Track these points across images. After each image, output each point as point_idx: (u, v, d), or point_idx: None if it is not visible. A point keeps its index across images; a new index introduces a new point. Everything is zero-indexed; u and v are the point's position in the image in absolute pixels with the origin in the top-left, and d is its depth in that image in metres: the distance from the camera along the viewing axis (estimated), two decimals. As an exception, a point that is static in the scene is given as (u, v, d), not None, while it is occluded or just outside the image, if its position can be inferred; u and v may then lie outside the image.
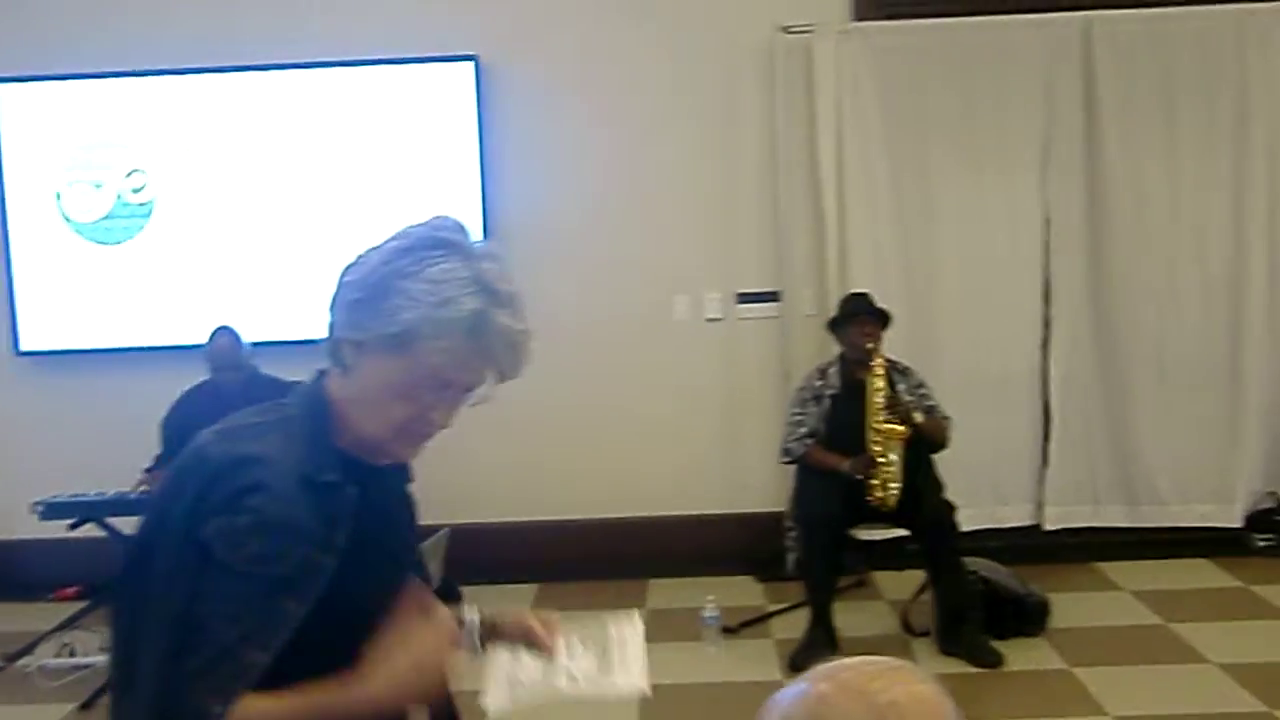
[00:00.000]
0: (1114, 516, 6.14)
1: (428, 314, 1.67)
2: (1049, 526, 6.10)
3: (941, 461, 5.30)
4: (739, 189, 6.02)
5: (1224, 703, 4.41)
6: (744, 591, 5.72)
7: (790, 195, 5.93)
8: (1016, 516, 6.13)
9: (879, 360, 4.92)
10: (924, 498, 4.87)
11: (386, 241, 1.75)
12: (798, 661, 4.86)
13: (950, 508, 4.94)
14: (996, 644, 4.92)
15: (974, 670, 4.80)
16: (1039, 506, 6.13)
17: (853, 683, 1.23)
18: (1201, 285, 6.02)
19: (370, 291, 1.71)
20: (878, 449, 4.86)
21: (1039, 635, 5.07)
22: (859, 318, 5.04)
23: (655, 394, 6.09)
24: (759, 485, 5.84)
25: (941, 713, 1.22)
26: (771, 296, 6.01)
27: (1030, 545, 6.01)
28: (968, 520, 5.81)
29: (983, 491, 6.01)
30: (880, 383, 4.89)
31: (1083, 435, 6.09)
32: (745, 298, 6.05)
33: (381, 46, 5.92)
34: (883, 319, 5.09)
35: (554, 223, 6.03)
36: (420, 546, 4.81)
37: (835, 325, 5.15)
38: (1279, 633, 5.07)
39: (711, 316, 6.08)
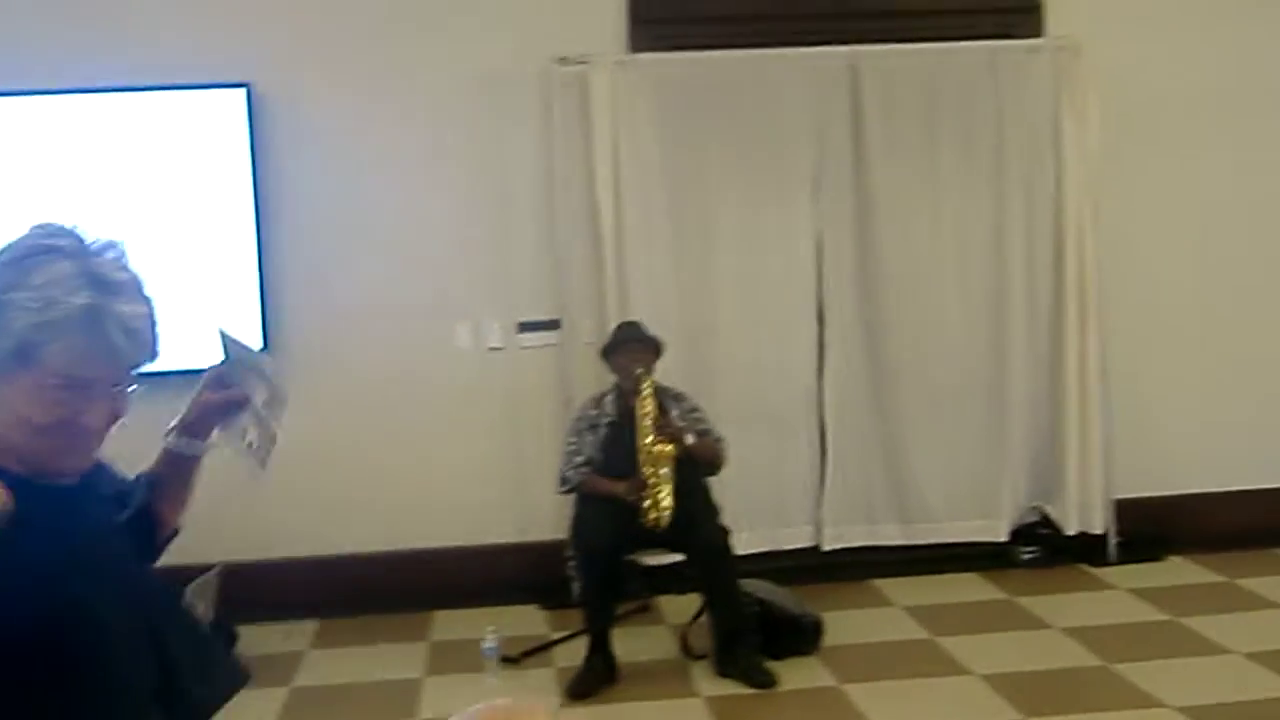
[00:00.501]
0: (888, 535, 6.34)
1: (37, 319, 1.67)
2: (827, 546, 6.26)
3: (719, 486, 5.43)
4: (518, 218, 6.06)
5: (982, 713, 4.62)
6: (529, 620, 5.75)
7: (568, 224, 5.99)
8: (796, 538, 6.26)
9: (647, 384, 4.99)
10: (698, 523, 4.97)
11: None
12: (576, 689, 4.93)
13: (724, 532, 5.05)
14: (772, 664, 5.05)
15: (749, 691, 4.91)
16: (817, 527, 6.30)
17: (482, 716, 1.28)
18: (965, 308, 6.27)
19: None
20: (648, 470, 4.93)
21: (813, 654, 5.22)
22: (629, 345, 5.13)
23: (437, 424, 6.07)
24: (543, 514, 5.86)
25: None
26: (552, 325, 6.06)
27: (810, 566, 6.16)
28: (748, 543, 5.98)
29: (762, 514, 6.14)
30: (649, 405, 4.97)
31: (858, 456, 6.28)
32: (526, 326, 6.08)
33: (155, 72, 5.78)
34: (653, 346, 5.18)
35: (331, 250, 5.98)
36: (189, 587, 4.73)
37: (607, 353, 5.23)
38: (1037, 643, 5.32)
39: (493, 345, 6.09)
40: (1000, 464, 6.33)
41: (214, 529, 5.69)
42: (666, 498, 4.93)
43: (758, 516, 6.11)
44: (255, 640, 5.50)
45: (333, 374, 5.97)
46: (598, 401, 5.26)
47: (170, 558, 5.20)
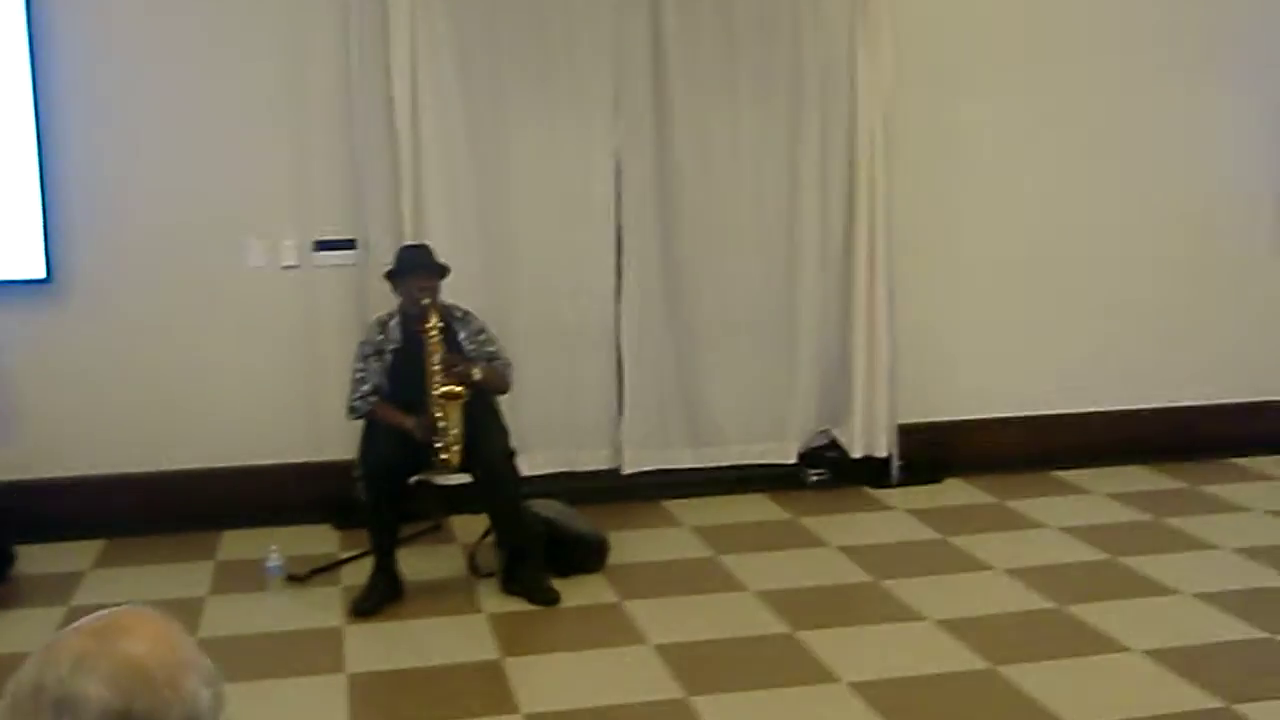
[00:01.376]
0: (683, 459, 6.54)
1: None
2: (628, 470, 6.43)
3: (513, 406, 5.55)
4: (315, 135, 6.01)
5: (752, 626, 4.85)
6: (321, 540, 5.80)
7: (366, 142, 5.96)
8: (593, 461, 6.42)
9: (433, 321, 5.01)
10: (481, 444, 5.05)
11: None
12: (360, 607, 5.02)
13: (508, 453, 5.15)
14: (557, 582, 5.20)
15: (532, 608, 5.06)
16: (617, 450, 6.46)
17: (83, 626, 1.36)
18: (759, 233, 6.45)
19: None
20: (438, 414, 4.99)
21: (598, 572, 5.39)
22: (415, 273, 5.14)
23: (229, 344, 6.05)
24: (337, 434, 5.87)
25: (172, 638, 1.37)
26: (349, 245, 6.06)
27: (606, 488, 6.34)
28: (542, 464, 6.17)
29: (557, 436, 6.30)
30: (436, 346, 4.99)
31: (653, 379, 6.44)
32: (323, 245, 6.07)
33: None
34: (438, 272, 5.20)
35: (117, 161, 5.87)
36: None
37: (393, 277, 5.22)
38: (813, 560, 5.58)
39: (288, 264, 6.07)
40: (790, 388, 6.58)
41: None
42: (456, 440, 4.99)
43: (553, 437, 6.28)
44: (34, 560, 5.46)
45: (120, 291, 5.93)
46: (383, 326, 5.26)
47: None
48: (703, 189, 6.35)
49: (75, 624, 1.36)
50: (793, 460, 6.60)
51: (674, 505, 6.28)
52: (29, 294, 5.78)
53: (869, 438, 6.58)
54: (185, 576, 5.43)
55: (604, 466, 6.42)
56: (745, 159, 6.39)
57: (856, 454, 6.58)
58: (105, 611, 1.39)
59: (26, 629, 4.81)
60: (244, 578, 5.35)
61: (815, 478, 6.61)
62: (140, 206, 5.92)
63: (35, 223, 5.71)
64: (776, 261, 6.48)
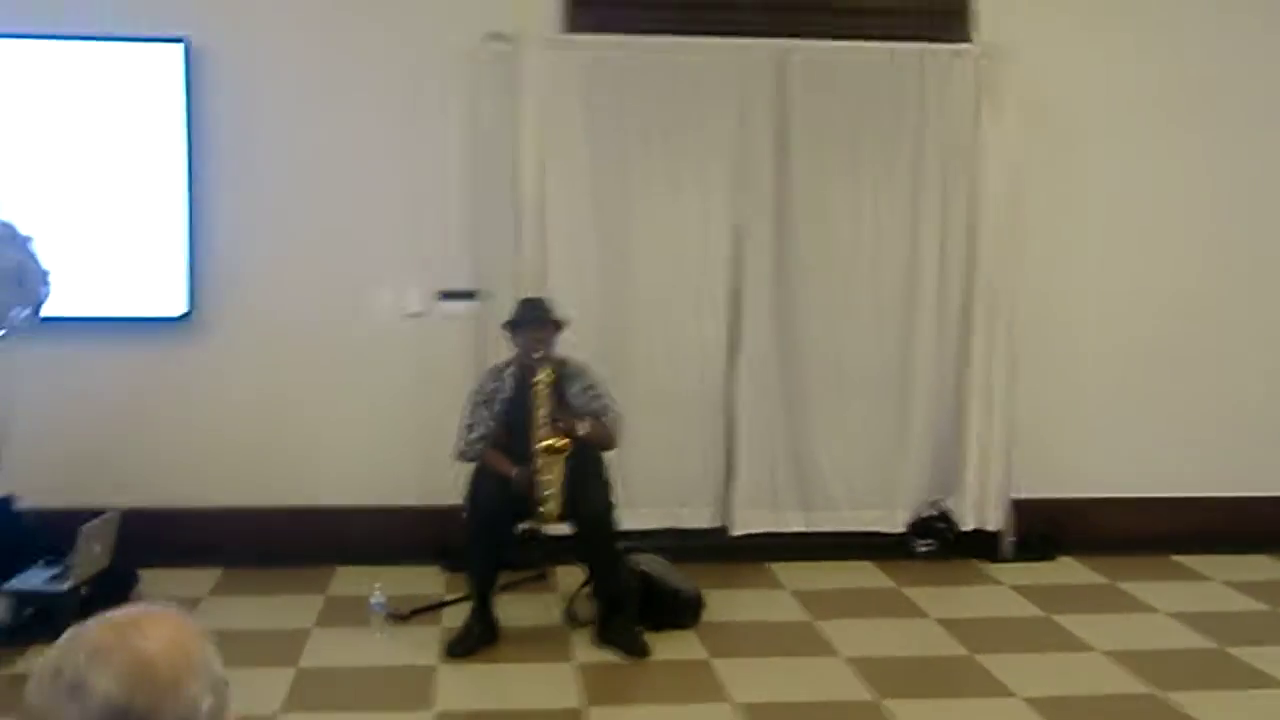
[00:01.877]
0: (792, 522, 6.59)
1: None
2: (738, 531, 6.49)
3: (625, 464, 5.73)
4: (445, 190, 6.27)
5: (839, 692, 4.87)
6: (427, 581, 5.98)
7: (492, 198, 6.20)
8: (697, 519, 6.51)
9: (543, 375, 5.18)
10: (583, 495, 5.18)
11: None
12: (455, 649, 5.16)
13: (608, 505, 5.26)
14: (651, 636, 5.29)
15: (623, 659, 5.16)
16: (721, 509, 6.53)
17: (109, 618, 1.46)
18: (876, 302, 6.50)
19: None
20: (540, 466, 5.13)
21: (691, 628, 5.46)
22: (530, 325, 5.31)
23: (353, 384, 6.32)
24: (450, 479, 6.05)
25: (187, 641, 1.45)
26: (471, 295, 6.28)
27: (714, 546, 6.43)
28: (648, 519, 6.27)
29: (665, 493, 6.41)
30: (544, 399, 5.15)
31: (765, 442, 6.51)
32: (446, 295, 6.31)
33: (93, 22, 5.98)
34: (554, 327, 5.36)
35: (259, 210, 6.21)
36: (83, 528, 4.98)
37: (510, 328, 5.41)
38: (909, 631, 5.58)
39: (412, 311, 6.32)
40: (902, 457, 6.58)
41: (118, 473, 6.00)
42: (556, 493, 5.13)
43: (660, 493, 6.39)
44: (157, 583, 5.74)
45: (254, 329, 6.26)
46: (497, 374, 5.45)
47: (76, 500, 5.51)
48: (820, 258, 6.43)
49: (106, 614, 1.45)
50: (901, 529, 6.60)
51: (778, 568, 6.32)
52: (169, 330, 6.13)
53: (980, 511, 6.55)
54: (295, 608, 5.66)
55: (707, 525, 6.51)
56: (865, 228, 6.46)
57: (967, 526, 6.55)
58: (135, 607, 1.50)
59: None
60: (350, 613, 5.54)
61: (923, 548, 6.59)
62: (279, 253, 6.24)
63: (180, 264, 6.07)
64: (892, 328, 6.51)
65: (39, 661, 1.42)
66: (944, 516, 6.65)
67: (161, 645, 1.41)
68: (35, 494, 5.68)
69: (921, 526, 6.64)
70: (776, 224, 6.40)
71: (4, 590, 5.18)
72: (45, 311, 5.45)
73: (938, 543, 6.60)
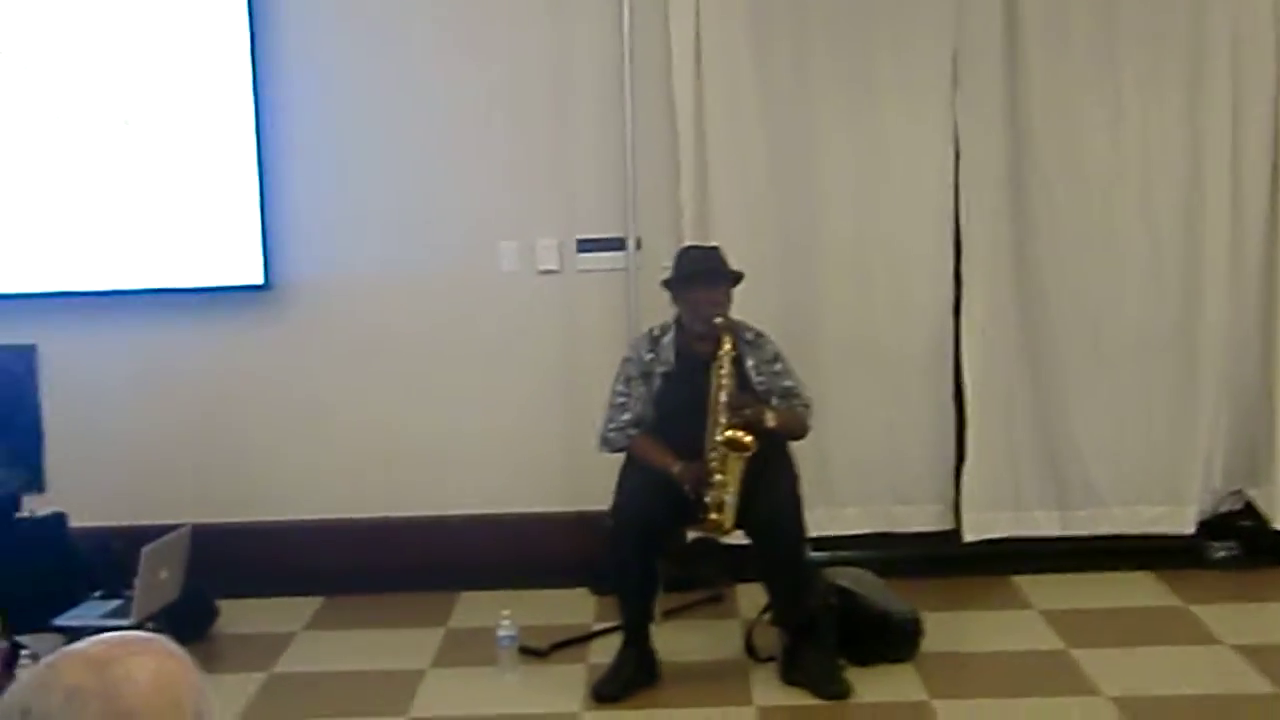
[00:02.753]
0: (1042, 524, 6.37)
1: None
2: (970, 537, 6.30)
3: (821, 453, 5.68)
4: (580, 120, 6.21)
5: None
6: (574, 607, 5.96)
7: (642, 126, 6.11)
8: (921, 520, 6.34)
9: (726, 347, 5.04)
10: (760, 493, 5.03)
11: None
12: (602, 691, 5.09)
13: (794, 505, 5.11)
14: (854, 671, 5.14)
15: (815, 702, 5.02)
16: (953, 510, 6.34)
17: (88, 652, 1.48)
18: (1149, 238, 6.21)
19: None
20: (714, 465, 5.00)
21: (908, 661, 5.29)
22: (701, 281, 5.18)
23: (472, 361, 6.31)
24: (599, 478, 5.96)
25: (175, 686, 1.48)
26: (618, 244, 6.19)
27: (939, 556, 6.28)
28: (855, 522, 6.18)
29: (876, 489, 6.27)
30: (726, 378, 5.02)
31: (1005, 422, 6.29)
32: (587, 245, 6.25)
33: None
34: (733, 284, 5.22)
35: (346, 159, 6.25)
36: (145, 549, 5.05)
37: (673, 286, 5.29)
38: (1198, 662, 5.33)
39: (545, 268, 6.28)
40: (1189, 439, 6.29)
41: (192, 484, 6.10)
42: (732, 499, 5.01)
43: (869, 490, 6.27)
44: (239, 616, 5.81)
45: (346, 307, 6.32)
46: (654, 342, 5.33)
47: (136, 517, 5.60)
48: (1069, 183, 6.17)
49: (82, 644, 1.51)
50: (1190, 530, 6.31)
51: (1025, 581, 6.13)
52: (246, 303, 6.20)
53: (1299, 503, 6.24)
54: (407, 643, 5.66)
55: (935, 528, 6.33)
56: (1128, 146, 6.16)
57: (1280, 525, 6.25)
58: (116, 636, 1.53)
59: (223, 696, 5.09)
60: (476, 648, 5.51)
61: (1221, 553, 6.31)
62: (373, 207, 6.27)
63: (254, 230, 6.13)
64: (1170, 277, 6.23)
65: (5, 694, 1.48)
66: (1248, 511, 6.37)
67: (146, 689, 1.46)
68: (90, 511, 5.79)
69: (1218, 526, 6.37)
70: (1009, 143, 6.16)
71: (54, 628, 5.26)
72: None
73: (1239, 546, 6.32)
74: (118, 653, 1.48)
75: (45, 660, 1.50)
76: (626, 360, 5.38)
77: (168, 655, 1.51)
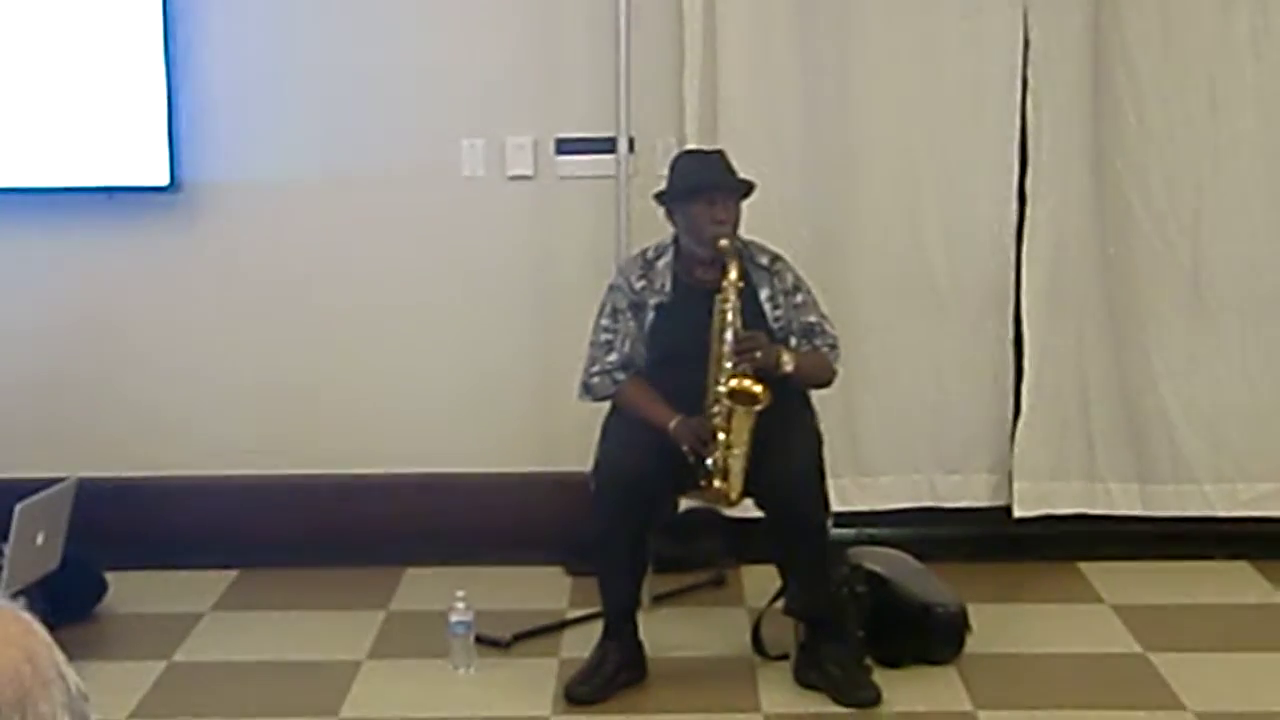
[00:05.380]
0: (1117, 500, 6.39)
1: None
2: (1021, 512, 6.31)
3: (850, 408, 5.73)
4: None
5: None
6: (546, 587, 6.02)
7: (639, 2, 6.08)
8: (970, 494, 6.37)
9: (732, 278, 5.02)
10: (772, 456, 5.03)
11: None
12: (575, 691, 5.12)
13: (814, 471, 5.12)
14: (883, 674, 5.17)
15: (837, 710, 5.03)
16: (1006, 481, 6.35)
17: None
18: (1266, 163, 6.21)
19: None
20: (718, 420, 5.00)
21: (950, 664, 5.32)
22: (705, 194, 5.14)
23: (427, 288, 6.31)
24: (580, 431, 5.96)
25: (33, 647, 1.48)
26: (607, 146, 6.15)
27: (991, 535, 6.33)
28: (891, 495, 6.21)
29: (917, 455, 6.29)
30: (732, 313, 5.00)
31: (1073, 379, 6.30)
32: (568, 146, 6.25)
33: None
34: (743, 195, 5.20)
35: (270, 39, 6.24)
36: (20, 506, 5.04)
37: (670, 200, 5.26)
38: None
39: (517, 173, 6.28)
40: (1299, 402, 6.32)
41: (75, 433, 6.09)
42: (738, 463, 5.00)
43: (908, 455, 6.29)
44: (136, 593, 5.82)
45: (268, 217, 6.30)
46: (647, 266, 5.31)
47: (7, 469, 5.60)
48: (1165, 85, 6.14)
49: None
50: (1301, 513, 6.33)
51: (1094, 570, 6.18)
52: (149, 205, 6.18)
53: None
54: (340, 629, 5.70)
55: (982, 503, 6.36)
56: (1238, 38, 6.12)
57: None
58: None
59: (110, 689, 5.08)
60: (423, 636, 5.54)
61: (1333, 543, 6.32)
62: (303, 96, 6.25)
63: (159, 125, 6.10)
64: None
65: None
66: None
67: (4, 653, 1.47)
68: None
69: (1335, 508, 6.36)
70: (1090, 23, 6.13)
71: (-93, 600, 5.25)
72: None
73: (1356, 535, 6.32)
74: None
75: None
76: (613, 289, 5.37)
77: (18, 618, 1.51)
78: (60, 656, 1.52)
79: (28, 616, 1.53)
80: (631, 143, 6.09)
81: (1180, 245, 6.24)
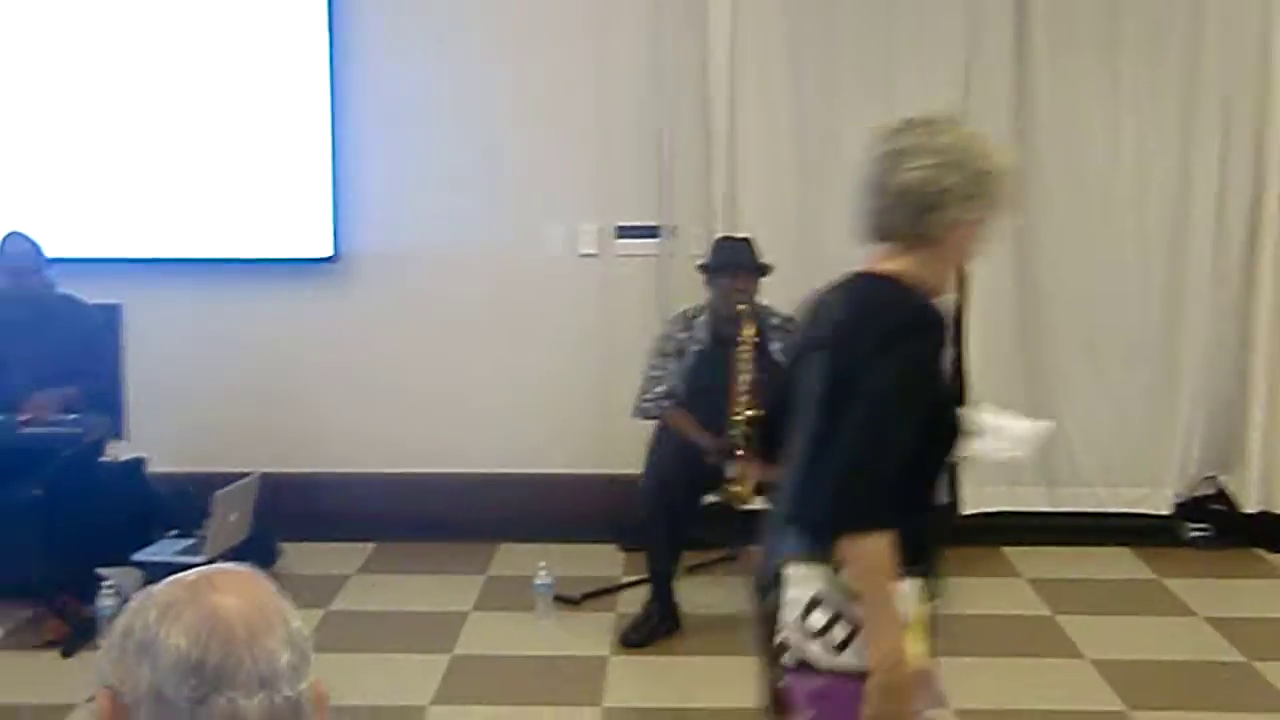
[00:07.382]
0: (1034, 500, 6.42)
1: None
2: (966, 510, 6.30)
3: None
4: (620, 112, 6.26)
5: (1078, 699, 4.71)
6: (605, 560, 6.05)
7: (677, 119, 6.16)
8: (923, 495, 6.36)
9: (748, 335, 5.11)
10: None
11: None
12: (629, 637, 5.18)
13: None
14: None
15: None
16: (951, 485, 6.35)
17: (180, 578, 1.50)
18: (1139, 242, 6.25)
19: None
20: (736, 439, 5.05)
21: (909, 622, 5.34)
22: (729, 270, 5.26)
23: (518, 335, 6.39)
24: (630, 444, 6.03)
25: (261, 597, 1.49)
26: (653, 232, 6.25)
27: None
28: None
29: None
30: (745, 363, 5.09)
31: (1000, 406, 6.29)
32: (625, 232, 6.30)
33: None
34: (758, 273, 5.29)
35: (410, 143, 6.30)
36: (217, 494, 5.13)
37: (707, 272, 5.37)
38: (1172, 631, 5.37)
39: (586, 252, 6.34)
40: (1169, 425, 6.34)
41: (264, 437, 6.17)
42: (749, 480, 5.02)
43: None
44: (300, 558, 5.92)
45: (406, 278, 6.37)
46: (688, 321, 5.42)
47: (209, 464, 5.67)
48: (1068, 188, 6.20)
49: (177, 576, 1.51)
50: (1168, 511, 6.36)
51: (1015, 553, 6.18)
52: (316, 272, 6.28)
53: (1267, 489, 6.27)
54: (451, 588, 5.77)
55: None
56: (1124, 156, 6.20)
57: (1250, 508, 6.28)
58: (207, 566, 1.54)
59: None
60: (513, 595, 5.60)
61: (1195, 533, 6.34)
62: (433, 190, 6.31)
63: (325, 206, 6.22)
64: (1156, 274, 6.26)
65: (112, 625, 1.49)
66: (1221, 496, 6.39)
67: (235, 601, 1.46)
68: (167, 457, 5.90)
69: (1193, 508, 6.39)
70: (1014, 147, 6.11)
71: (132, 563, 5.35)
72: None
73: (1213, 527, 6.34)
74: (207, 573, 1.50)
75: (142, 591, 1.50)
76: (663, 338, 5.47)
77: (253, 575, 1.52)
78: (285, 604, 1.51)
79: (258, 572, 1.54)
80: (673, 229, 6.22)
81: (1077, 315, 6.30)
